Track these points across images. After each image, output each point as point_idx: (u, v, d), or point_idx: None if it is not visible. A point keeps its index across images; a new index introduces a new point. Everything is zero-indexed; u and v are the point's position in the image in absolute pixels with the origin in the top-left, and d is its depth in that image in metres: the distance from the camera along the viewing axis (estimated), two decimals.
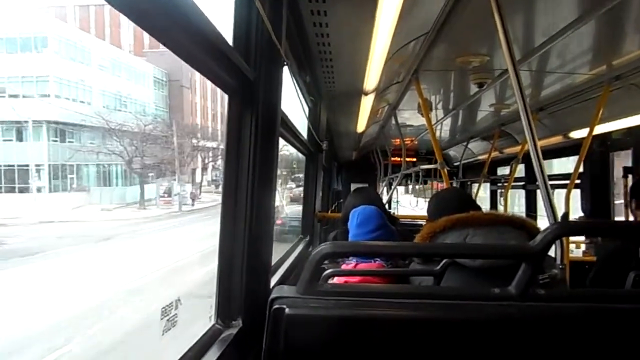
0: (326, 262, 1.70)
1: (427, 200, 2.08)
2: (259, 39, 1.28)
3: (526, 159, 3.76)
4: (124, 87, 25.23)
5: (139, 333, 6.24)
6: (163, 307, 1.56)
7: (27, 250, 11.48)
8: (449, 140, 5.70)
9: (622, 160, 3.39)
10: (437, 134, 4.98)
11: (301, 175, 4.78)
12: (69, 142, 21.94)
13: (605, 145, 3.39)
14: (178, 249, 12.29)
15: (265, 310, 1.07)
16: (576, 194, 3.46)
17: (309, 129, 3.15)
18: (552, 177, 3.85)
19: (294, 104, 2.24)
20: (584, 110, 2.84)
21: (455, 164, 6.33)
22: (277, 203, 1.57)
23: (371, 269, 1.65)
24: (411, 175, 6.44)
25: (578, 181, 3.30)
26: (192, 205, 23.30)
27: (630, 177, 3.16)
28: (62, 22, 24.34)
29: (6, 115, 19.13)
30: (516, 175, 4.15)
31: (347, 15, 1.58)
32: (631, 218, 2.29)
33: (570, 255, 3.10)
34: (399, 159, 4.83)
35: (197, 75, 28.99)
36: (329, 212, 5.17)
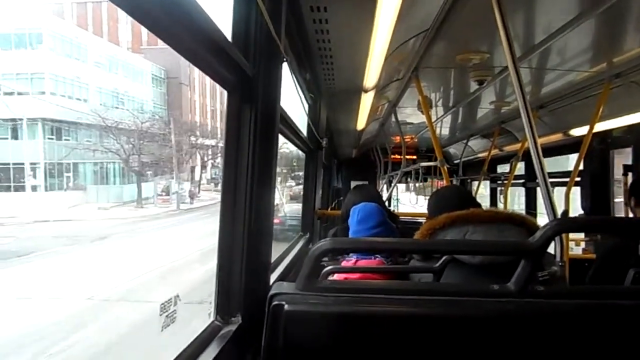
0: (327, 259, 1.70)
1: (427, 198, 2.08)
2: (258, 35, 1.28)
3: (526, 157, 3.76)
4: (122, 84, 25.15)
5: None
6: (161, 307, 1.54)
7: (16, 252, 11.41)
8: (449, 137, 5.70)
9: (622, 158, 3.39)
10: (437, 131, 4.97)
11: (301, 173, 4.78)
12: (65, 140, 21.86)
13: (606, 143, 3.38)
14: (175, 248, 12.27)
15: (265, 307, 1.07)
16: (576, 192, 3.46)
17: (308, 126, 3.15)
18: (552, 174, 3.85)
19: (294, 101, 2.24)
20: (584, 107, 2.83)
21: (456, 161, 6.33)
22: (276, 201, 1.57)
23: (370, 266, 1.65)
24: (411, 173, 6.44)
25: (578, 179, 3.30)
26: (191, 203, 23.29)
27: (630, 175, 3.16)
28: (59, 18, 24.21)
29: (1, 113, 19.00)
30: (516, 172, 4.15)
31: (347, 12, 1.58)
32: (631, 216, 2.29)
33: (570, 252, 3.10)
34: (399, 157, 4.83)
35: (196, 73, 28.98)
36: (329, 209, 5.17)
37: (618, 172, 3.38)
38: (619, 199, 3.46)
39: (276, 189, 1.55)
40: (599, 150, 3.41)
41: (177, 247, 12.29)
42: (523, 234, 1.30)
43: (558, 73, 2.53)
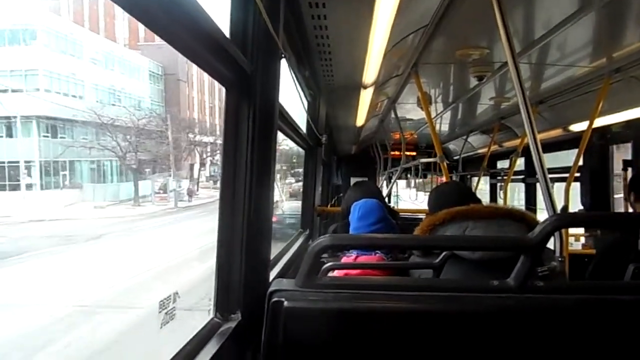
0: (327, 256, 1.70)
1: (427, 194, 2.09)
2: (256, 31, 1.27)
3: (526, 152, 3.75)
4: (118, 81, 24.99)
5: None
6: (160, 304, 1.54)
7: (9, 252, 11.32)
8: (448, 133, 5.69)
9: (621, 153, 3.39)
10: (437, 127, 4.97)
11: (301, 171, 4.77)
12: (61, 137, 21.72)
13: (605, 138, 3.38)
14: (172, 246, 12.23)
15: (264, 304, 1.07)
16: (576, 187, 3.46)
17: (308, 122, 3.14)
18: (552, 170, 3.85)
19: (293, 98, 2.23)
20: (584, 103, 2.83)
21: (455, 157, 6.33)
22: (276, 198, 1.57)
23: (370, 262, 1.65)
24: (411, 169, 6.43)
25: (578, 174, 3.30)
26: (189, 201, 23.24)
27: (629, 170, 3.15)
28: (55, 15, 24.02)
29: None
30: (516, 168, 4.15)
31: (346, 7, 1.57)
32: (630, 211, 2.29)
33: (570, 248, 3.11)
34: (398, 153, 4.83)
35: (194, 69, 28.85)
36: (329, 206, 5.17)
37: (618, 167, 3.38)
38: (619, 195, 3.46)
39: (275, 187, 1.54)
40: (598, 146, 3.40)
41: (174, 246, 12.26)
42: (523, 229, 1.30)
43: (558, 68, 2.52)
